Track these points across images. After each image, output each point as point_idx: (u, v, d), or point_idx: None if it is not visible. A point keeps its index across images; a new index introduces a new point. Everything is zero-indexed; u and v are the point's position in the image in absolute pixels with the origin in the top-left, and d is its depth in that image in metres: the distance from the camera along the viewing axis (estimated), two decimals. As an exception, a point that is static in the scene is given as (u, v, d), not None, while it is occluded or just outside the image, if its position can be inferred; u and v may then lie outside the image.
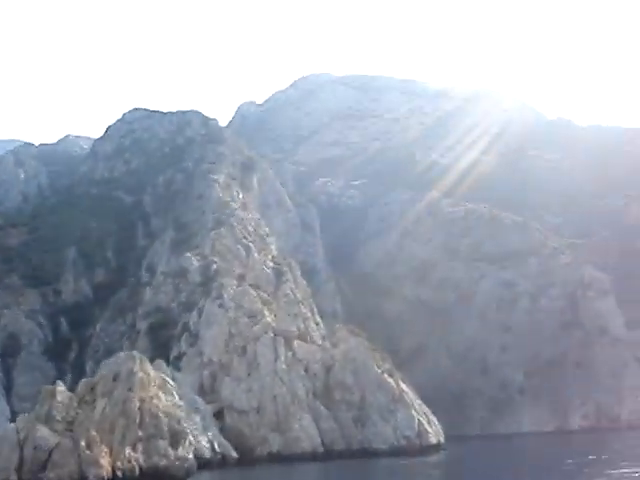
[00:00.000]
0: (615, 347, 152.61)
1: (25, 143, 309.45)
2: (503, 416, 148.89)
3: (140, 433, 39.84)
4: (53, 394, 41.67)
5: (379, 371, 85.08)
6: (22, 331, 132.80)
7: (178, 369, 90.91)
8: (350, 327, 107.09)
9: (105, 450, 40.60)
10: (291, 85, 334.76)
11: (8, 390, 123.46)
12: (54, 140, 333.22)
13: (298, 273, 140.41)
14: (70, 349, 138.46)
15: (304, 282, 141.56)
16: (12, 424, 42.18)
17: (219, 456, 72.55)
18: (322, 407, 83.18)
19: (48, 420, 40.04)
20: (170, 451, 43.24)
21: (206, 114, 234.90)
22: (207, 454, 71.45)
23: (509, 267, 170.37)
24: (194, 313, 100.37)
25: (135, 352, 46.52)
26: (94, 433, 38.71)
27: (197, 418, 74.17)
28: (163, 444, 41.09)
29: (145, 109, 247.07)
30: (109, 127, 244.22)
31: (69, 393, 42.40)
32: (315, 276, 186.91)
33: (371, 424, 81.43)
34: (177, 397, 45.46)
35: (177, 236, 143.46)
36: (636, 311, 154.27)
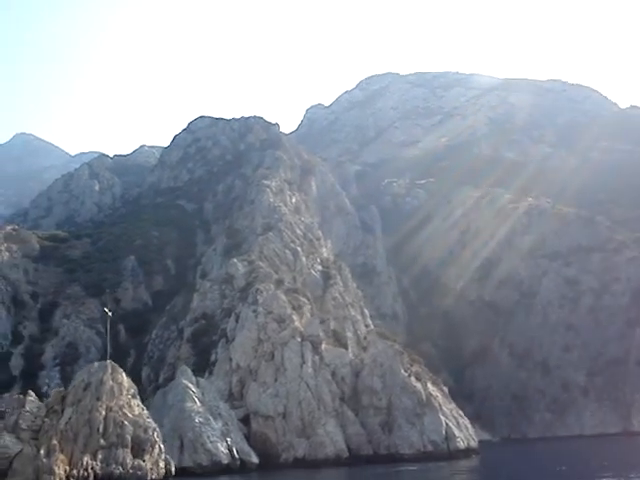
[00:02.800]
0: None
1: (100, 155, 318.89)
2: (565, 418, 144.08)
3: (102, 442, 40.21)
4: (22, 403, 42.42)
5: (406, 374, 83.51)
6: (80, 340, 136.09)
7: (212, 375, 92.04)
8: (380, 330, 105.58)
9: (62, 458, 41.20)
10: (357, 86, 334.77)
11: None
12: (130, 151, 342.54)
13: (349, 276, 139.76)
14: (128, 356, 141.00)
15: (354, 285, 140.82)
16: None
17: (238, 462, 72.79)
18: (349, 412, 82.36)
19: (15, 429, 40.82)
20: (128, 460, 43.42)
21: (274, 119, 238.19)
22: (225, 460, 71.74)
23: (573, 263, 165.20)
24: (231, 319, 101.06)
25: (108, 361, 46.75)
26: (55, 442, 39.27)
27: (218, 424, 74.76)
28: (123, 453, 41.32)
29: (210, 117, 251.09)
30: (175, 136, 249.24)
31: (39, 402, 43.09)
32: (375, 278, 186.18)
33: (397, 429, 79.99)
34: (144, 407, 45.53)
35: (229, 242, 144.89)
36: None
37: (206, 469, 69.30)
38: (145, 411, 45.44)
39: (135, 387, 47.63)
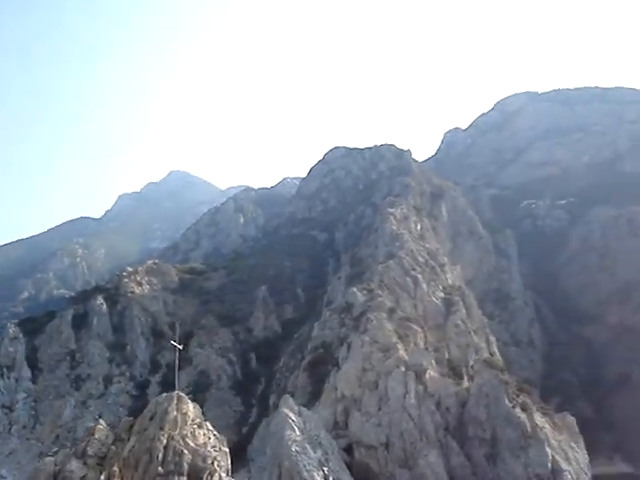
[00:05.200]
0: None
1: (245, 188, 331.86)
2: None
3: (160, 469, 42.46)
4: (93, 432, 45.61)
5: (510, 405, 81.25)
6: (212, 368, 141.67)
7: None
8: (488, 359, 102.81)
9: (122, 483, 44.17)
10: (493, 107, 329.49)
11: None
12: (274, 184, 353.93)
13: (473, 302, 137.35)
14: (258, 383, 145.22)
15: (479, 311, 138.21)
16: (51, 457, 46.65)
17: (333, 492, 73.52)
18: (454, 443, 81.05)
19: (83, 455, 43.93)
20: (185, 487, 45.41)
21: (411, 145, 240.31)
22: (319, 489, 72.71)
23: None
24: (344, 348, 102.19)
25: (175, 392, 49.18)
26: (116, 468, 41.85)
27: (317, 453, 75.88)
28: (179, 480, 43.34)
29: (344, 147, 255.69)
30: (312, 168, 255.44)
31: (107, 431, 46.13)
32: (510, 303, 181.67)
33: (501, 461, 77.86)
34: (211, 434, 47.40)
35: (352, 271, 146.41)
36: None
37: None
38: (212, 440, 47.36)
39: (202, 417, 49.72)
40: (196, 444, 45.71)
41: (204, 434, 47.09)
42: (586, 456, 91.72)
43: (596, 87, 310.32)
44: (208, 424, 49.35)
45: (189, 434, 45.93)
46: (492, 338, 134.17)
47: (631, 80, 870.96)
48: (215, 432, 49.03)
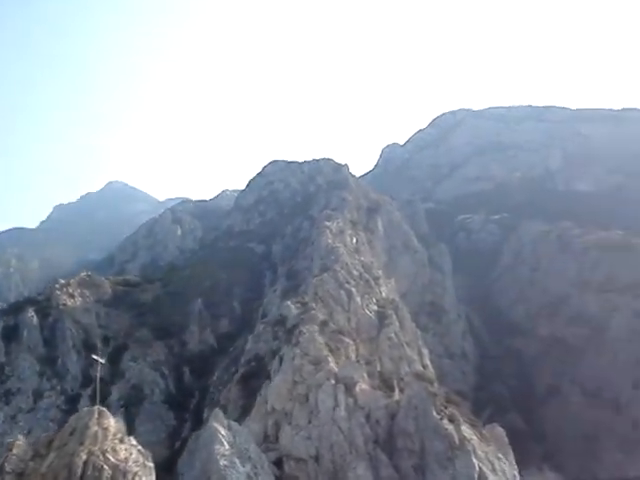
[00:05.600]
0: None
1: (183, 200, 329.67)
2: (637, 458, 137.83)
3: (79, 486, 42.26)
4: (11, 447, 45.01)
5: (438, 417, 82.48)
6: (145, 382, 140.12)
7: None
8: (418, 371, 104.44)
9: (38, 500, 43.74)
10: (430, 124, 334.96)
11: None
12: (213, 196, 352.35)
13: (407, 315, 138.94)
14: (192, 397, 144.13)
15: (412, 324, 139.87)
16: (-30, 474, 46.01)
17: (262, 505, 73.55)
18: (383, 455, 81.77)
19: (1, 472, 43.30)
20: (103, 503, 45.10)
21: (351, 160, 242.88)
22: (249, 503, 72.70)
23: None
24: (275, 361, 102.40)
25: (96, 406, 48.87)
26: (33, 484, 41.55)
27: (245, 467, 75.85)
28: (99, 496, 43.09)
29: (283, 160, 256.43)
30: (250, 180, 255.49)
31: (27, 446, 45.54)
32: (444, 316, 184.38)
33: (429, 472, 78.91)
34: (135, 450, 47.14)
35: (288, 284, 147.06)
36: None
37: (230, 512, 70.27)
38: (134, 455, 47.08)
39: (124, 432, 49.42)
40: (117, 459, 45.37)
41: (126, 449, 46.77)
42: (515, 467, 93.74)
43: (529, 106, 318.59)
44: (132, 439, 49.10)
45: (110, 449, 45.57)
46: (425, 350, 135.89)
47: (563, 99, 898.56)
48: (139, 447, 48.77)
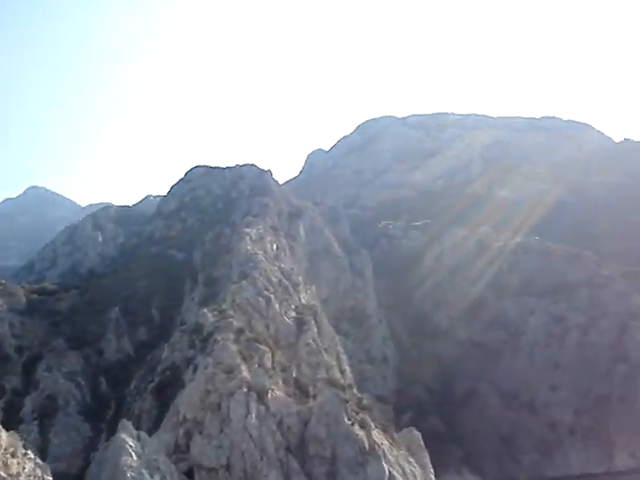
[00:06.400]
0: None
1: (105, 206, 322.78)
2: (552, 458, 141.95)
3: (-30, 501, 40.79)
4: None
5: (349, 423, 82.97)
6: (60, 392, 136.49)
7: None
8: (331, 377, 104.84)
9: None
10: (355, 130, 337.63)
11: (43, 451, 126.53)
12: (137, 201, 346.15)
13: (324, 321, 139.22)
14: (108, 408, 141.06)
15: (331, 329, 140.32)
16: None
17: (172, 517, 72.42)
18: (294, 462, 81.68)
19: None
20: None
21: (276, 166, 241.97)
22: (158, 515, 71.46)
23: (560, 300, 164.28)
24: (189, 370, 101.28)
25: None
26: None
27: (154, 478, 74.53)
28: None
29: (205, 166, 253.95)
30: (172, 186, 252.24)
31: None
32: (365, 321, 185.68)
33: (340, 478, 79.27)
34: (31, 464, 45.85)
35: (207, 291, 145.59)
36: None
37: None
38: (27, 470, 45.71)
39: (17, 446, 47.90)
40: (8, 474, 44.06)
41: (18, 463, 45.43)
42: (430, 470, 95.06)
43: (452, 113, 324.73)
44: (30, 452, 47.79)
45: (0, 464, 44.19)
46: (343, 356, 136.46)
47: (484, 107, 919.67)
48: (38, 460, 47.53)
